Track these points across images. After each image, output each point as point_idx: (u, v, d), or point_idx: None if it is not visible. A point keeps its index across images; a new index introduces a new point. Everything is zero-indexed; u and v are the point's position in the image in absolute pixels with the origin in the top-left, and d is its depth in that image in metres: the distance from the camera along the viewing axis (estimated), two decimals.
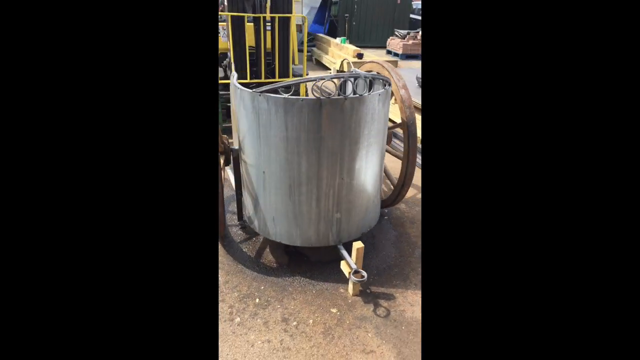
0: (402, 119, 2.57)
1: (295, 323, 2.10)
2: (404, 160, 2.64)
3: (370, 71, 2.85)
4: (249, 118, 2.09)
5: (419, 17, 12.98)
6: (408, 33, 10.67)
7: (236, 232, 2.87)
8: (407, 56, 10.34)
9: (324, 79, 1.92)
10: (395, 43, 10.67)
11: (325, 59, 8.67)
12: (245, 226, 2.87)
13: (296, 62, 6.09)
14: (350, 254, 2.30)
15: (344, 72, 3.75)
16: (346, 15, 11.46)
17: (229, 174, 3.04)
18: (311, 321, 2.11)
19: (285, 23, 4.29)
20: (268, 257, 2.63)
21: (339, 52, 7.98)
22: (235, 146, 2.41)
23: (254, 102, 2.02)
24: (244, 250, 2.69)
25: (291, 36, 4.37)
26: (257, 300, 2.25)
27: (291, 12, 4.24)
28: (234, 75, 2.37)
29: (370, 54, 7.61)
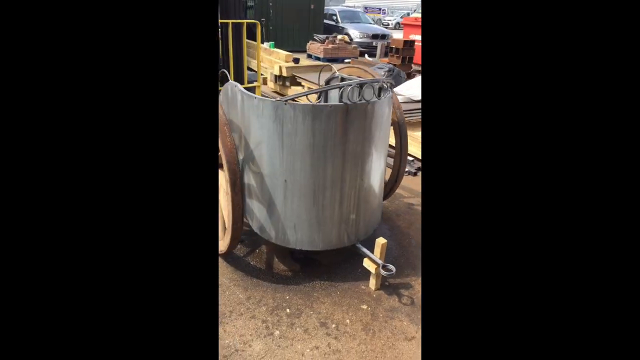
0: (392, 119, 2.75)
1: (334, 325, 2.14)
2: (396, 158, 2.83)
3: (351, 75, 2.98)
4: (269, 128, 2.07)
5: (332, 22, 13.54)
6: (327, 37, 11.06)
7: (237, 247, 2.77)
8: (329, 60, 10.73)
9: (350, 85, 2.00)
10: (315, 47, 10.98)
11: (254, 64, 8.58)
12: (243, 240, 2.80)
13: None
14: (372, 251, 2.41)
15: (331, 77, 3.84)
16: (262, 19, 11.45)
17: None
18: (348, 321, 2.17)
19: (238, 29, 4.21)
20: (279, 267, 2.60)
21: (269, 57, 7.97)
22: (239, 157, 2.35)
23: (277, 111, 2.00)
24: (252, 263, 2.62)
25: (244, 42, 4.31)
26: (288, 310, 2.23)
27: (244, 18, 4.18)
28: (233, 84, 2.30)
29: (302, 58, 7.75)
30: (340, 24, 13.34)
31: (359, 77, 2.89)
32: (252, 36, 11.37)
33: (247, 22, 4.25)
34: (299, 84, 6.37)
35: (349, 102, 1.98)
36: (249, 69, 9.10)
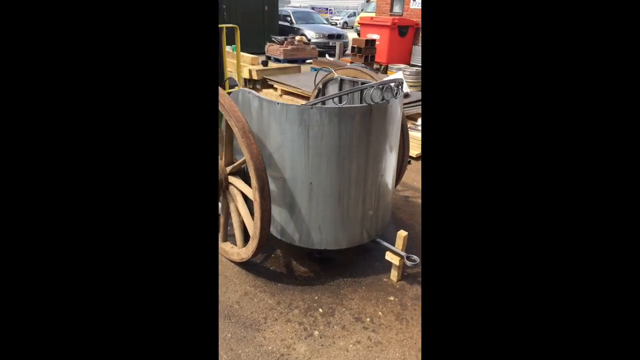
0: None
1: (368, 319, 2.20)
2: (400, 152, 2.95)
3: (348, 76, 3.05)
4: (292, 132, 2.09)
5: (287, 24, 13.54)
6: (285, 39, 11.06)
7: None
8: (289, 61, 10.74)
9: (373, 87, 2.07)
10: (274, 49, 10.93)
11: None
12: None
13: None
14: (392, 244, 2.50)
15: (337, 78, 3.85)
16: None
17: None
18: (380, 313, 2.25)
19: (217, 34, 4.13)
20: (299, 269, 2.62)
21: (233, 61, 7.84)
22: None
23: (302, 116, 2.03)
24: (271, 268, 2.61)
25: (224, 47, 4.24)
26: (320, 310, 2.26)
27: (222, 23, 4.11)
28: (246, 91, 2.29)
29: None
30: (295, 25, 13.38)
31: (355, 77, 2.98)
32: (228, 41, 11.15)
33: (225, 27, 4.19)
34: (271, 87, 6.35)
35: (372, 103, 2.05)
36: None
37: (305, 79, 6.40)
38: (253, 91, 2.27)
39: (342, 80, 2.98)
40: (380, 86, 2.12)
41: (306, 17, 13.97)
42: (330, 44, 12.57)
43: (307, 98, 5.69)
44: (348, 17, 27.44)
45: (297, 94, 5.87)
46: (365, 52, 8.36)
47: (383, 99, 2.14)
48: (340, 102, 2.02)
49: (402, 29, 9.68)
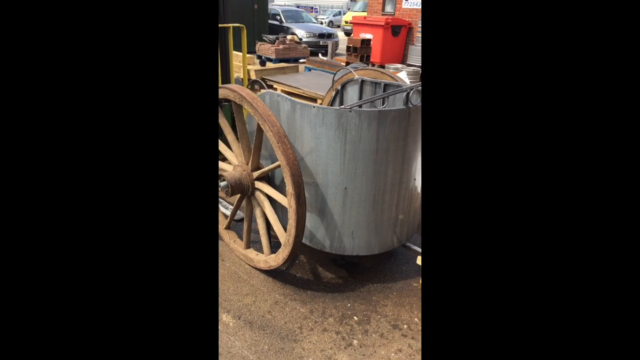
0: None
1: (405, 326, 2.16)
2: None
3: (367, 77, 3.00)
4: (328, 136, 2.03)
5: (276, 22, 13.41)
6: (277, 38, 10.94)
7: None
8: (280, 60, 10.63)
9: (413, 89, 2.02)
10: (266, 48, 10.80)
11: None
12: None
13: None
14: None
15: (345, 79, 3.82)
16: None
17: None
18: (416, 319, 2.21)
19: (223, 32, 4.03)
20: (326, 275, 2.56)
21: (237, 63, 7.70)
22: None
23: (340, 119, 1.97)
24: (298, 275, 2.55)
25: (230, 48, 4.13)
26: (355, 317, 2.21)
27: (228, 22, 4.01)
28: (275, 93, 2.22)
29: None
30: (285, 24, 13.27)
31: (375, 78, 2.93)
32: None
33: (232, 26, 4.09)
34: (271, 87, 6.25)
35: (411, 105, 2.01)
36: None
37: (305, 79, 6.33)
38: (282, 94, 2.20)
39: (363, 82, 2.92)
40: (419, 88, 2.07)
41: (296, 16, 13.87)
42: (321, 43, 12.52)
43: (307, 98, 5.62)
44: (334, 15, 27.37)
45: (298, 94, 5.79)
46: (361, 51, 8.34)
47: (409, 102, 2.10)
48: (383, 104, 1.97)
49: (395, 29, 9.70)
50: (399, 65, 7.83)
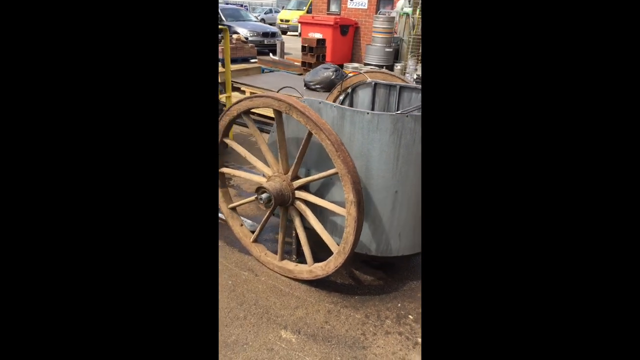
0: None
1: None
2: None
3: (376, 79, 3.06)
4: (382, 141, 2.05)
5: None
6: (222, 37, 10.56)
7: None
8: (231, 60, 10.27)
9: None
10: None
11: None
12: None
13: None
14: None
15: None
16: None
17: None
18: None
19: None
20: (365, 277, 2.58)
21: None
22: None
23: (396, 125, 2.00)
24: (338, 281, 2.53)
25: (226, 50, 3.93)
26: (411, 316, 2.26)
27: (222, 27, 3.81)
28: (316, 101, 2.18)
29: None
30: (226, 23, 12.83)
31: (390, 81, 3.00)
32: None
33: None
34: (238, 89, 6.04)
35: None
36: None
37: (272, 80, 6.22)
38: (323, 100, 2.17)
39: (376, 84, 2.97)
40: None
41: (235, 15, 13.48)
42: (266, 42, 12.32)
43: None
44: (265, 13, 26.98)
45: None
46: (317, 51, 8.38)
47: None
48: (397, 108, 2.03)
49: (343, 28, 9.88)
50: (357, 65, 8.00)
